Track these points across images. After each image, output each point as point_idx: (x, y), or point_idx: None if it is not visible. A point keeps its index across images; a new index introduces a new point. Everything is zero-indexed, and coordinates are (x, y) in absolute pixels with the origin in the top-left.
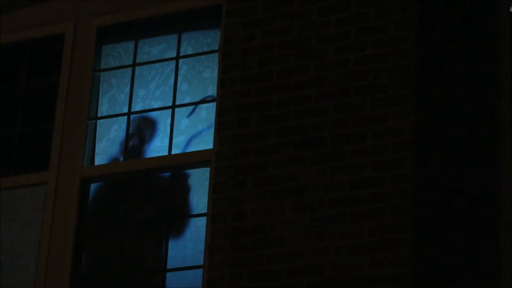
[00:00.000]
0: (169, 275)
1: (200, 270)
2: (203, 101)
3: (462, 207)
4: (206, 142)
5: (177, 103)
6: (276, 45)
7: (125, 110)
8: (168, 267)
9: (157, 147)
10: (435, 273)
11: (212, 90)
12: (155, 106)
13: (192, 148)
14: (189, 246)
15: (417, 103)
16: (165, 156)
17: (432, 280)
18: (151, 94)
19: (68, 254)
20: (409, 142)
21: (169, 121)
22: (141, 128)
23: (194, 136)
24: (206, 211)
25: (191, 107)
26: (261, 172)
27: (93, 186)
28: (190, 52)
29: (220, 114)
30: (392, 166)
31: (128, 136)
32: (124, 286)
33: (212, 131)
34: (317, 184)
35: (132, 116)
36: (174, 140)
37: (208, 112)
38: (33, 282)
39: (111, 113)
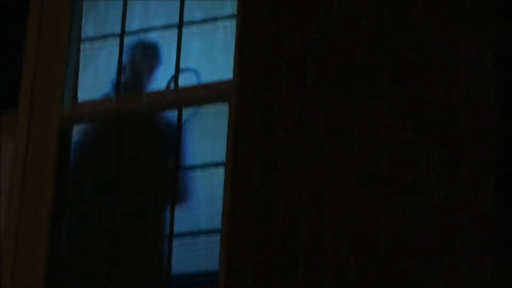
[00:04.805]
0: (176, 243)
1: (217, 236)
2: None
3: None
4: (224, 72)
5: (185, 20)
6: None
7: (117, 30)
8: (176, 232)
9: (160, 79)
10: None
11: (231, 3)
12: (156, 25)
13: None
14: (202, 206)
15: (499, 24)
16: (170, 90)
17: None
18: (151, 10)
19: (44, 218)
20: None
21: (175, 45)
22: (138, 57)
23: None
24: (224, 163)
25: (202, 27)
26: (295, 112)
27: (75, 130)
28: None
29: (242, 35)
30: (467, 104)
31: (121, 66)
32: (118, 258)
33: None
34: (370, 128)
35: (126, 40)
36: (182, 70)
37: (225, 34)
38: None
39: (98, 34)
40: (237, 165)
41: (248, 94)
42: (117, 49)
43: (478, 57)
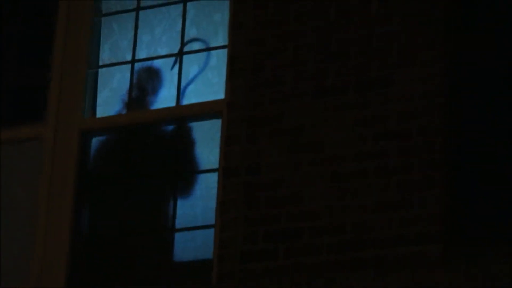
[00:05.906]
0: (177, 235)
1: (211, 230)
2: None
3: (495, 156)
4: (217, 92)
5: (185, 49)
6: None
7: (129, 57)
8: (177, 227)
9: (164, 98)
10: (467, 231)
11: (222, 35)
12: (162, 53)
13: (187, 99)
14: (199, 204)
15: (448, 48)
16: (172, 107)
17: (464, 238)
18: (156, 40)
19: (67, 214)
20: (440, 89)
21: (176, 70)
22: (145, 79)
23: (187, 85)
24: (217, 166)
25: (200, 55)
26: (277, 123)
27: (94, 140)
28: None
29: (232, 61)
30: (420, 116)
31: (132, 86)
32: (129, 247)
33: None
34: (338, 136)
35: (136, 65)
36: (182, 90)
37: (218, 59)
38: (32, 244)
39: (113, 61)
40: (228, 168)
41: (237, 110)
42: (128, 73)
43: (429, 80)
